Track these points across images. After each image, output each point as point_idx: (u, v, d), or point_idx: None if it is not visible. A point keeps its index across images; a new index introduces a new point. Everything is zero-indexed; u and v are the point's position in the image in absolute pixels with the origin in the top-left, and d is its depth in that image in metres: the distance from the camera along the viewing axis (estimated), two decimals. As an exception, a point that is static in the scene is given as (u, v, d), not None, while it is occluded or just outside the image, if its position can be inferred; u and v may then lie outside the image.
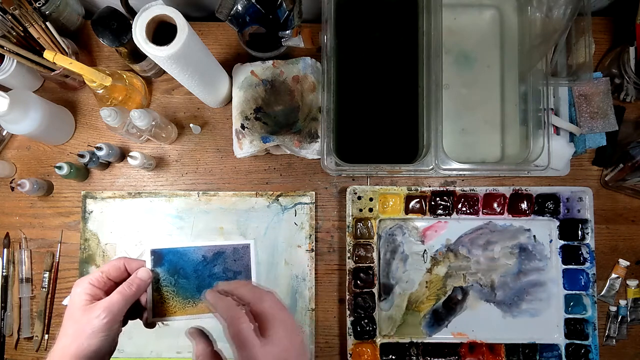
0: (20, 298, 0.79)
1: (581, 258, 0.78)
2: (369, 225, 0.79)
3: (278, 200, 0.80)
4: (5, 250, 0.80)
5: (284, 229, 0.80)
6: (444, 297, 0.79)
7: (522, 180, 0.81)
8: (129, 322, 0.52)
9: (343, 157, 0.74)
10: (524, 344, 0.77)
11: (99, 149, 0.75)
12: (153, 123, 0.72)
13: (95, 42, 0.84)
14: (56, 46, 0.73)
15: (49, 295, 0.79)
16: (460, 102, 0.81)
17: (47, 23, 0.71)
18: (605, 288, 0.80)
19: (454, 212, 0.79)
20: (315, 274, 0.79)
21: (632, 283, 0.79)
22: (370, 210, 0.79)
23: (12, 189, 0.81)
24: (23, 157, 0.83)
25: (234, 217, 0.80)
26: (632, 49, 0.75)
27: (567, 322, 0.78)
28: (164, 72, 0.83)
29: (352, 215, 0.78)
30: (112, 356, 0.48)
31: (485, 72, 0.82)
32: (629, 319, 0.79)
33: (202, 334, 0.48)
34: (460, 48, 0.82)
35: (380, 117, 0.83)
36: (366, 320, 0.77)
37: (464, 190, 0.79)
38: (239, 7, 0.69)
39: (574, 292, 0.78)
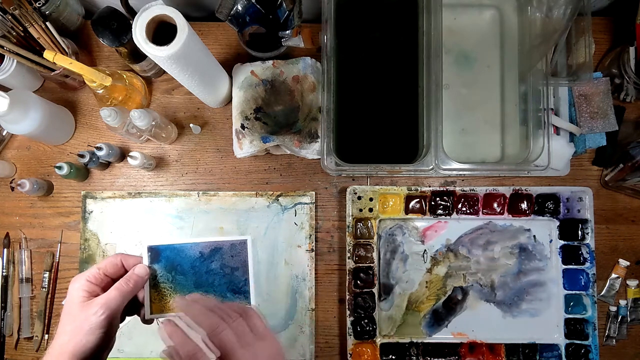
0: (20, 298, 0.79)
1: (581, 258, 0.78)
2: (369, 225, 0.79)
3: (278, 200, 0.80)
4: (5, 250, 0.80)
5: (284, 229, 0.80)
6: (444, 297, 0.79)
7: (522, 180, 0.81)
8: (128, 320, 0.52)
9: (343, 157, 0.74)
10: (524, 344, 0.77)
11: (99, 149, 0.75)
12: (153, 123, 0.72)
13: (95, 42, 0.84)
14: (56, 46, 0.73)
15: (49, 295, 0.79)
16: (460, 102, 0.81)
17: (47, 23, 0.71)
18: (605, 288, 0.80)
19: (454, 212, 0.79)
20: (315, 274, 0.79)
21: (632, 283, 0.79)
22: (370, 210, 0.79)
23: (12, 189, 0.81)
24: (23, 157, 0.83)
25: (234, 217, 0.80)
26: (632, 49, 0.75)
27: (567, 322, 0.78)
28: (164, 72, 0.83)
29: (352, 215, 0.78)
30: (112, 356, 0.48)
31: (485, 72, 0.82)
32: (629, 319, 0.79)
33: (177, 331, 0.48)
34: (460, 48, 0.82)
35: (380, 117, 0.83)
36: (366, 320, 0.77)
37: (464, 190, 0.79)
38: (239, 7, 0.69)
39: (574, 292, 0.78)
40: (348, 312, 0.77)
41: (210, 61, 0.70)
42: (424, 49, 0.77)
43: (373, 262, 0.78)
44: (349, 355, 0.76)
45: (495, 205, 0.79)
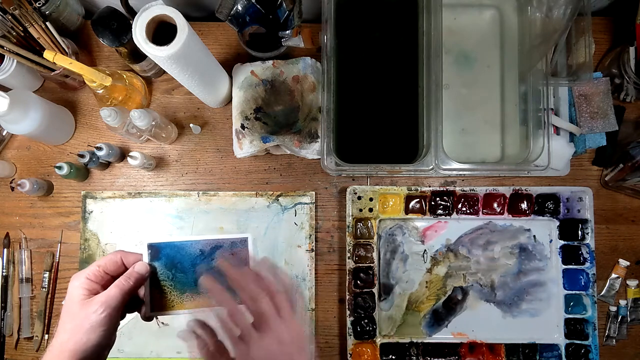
0: (20, 298, 0.79)
1: (581, 258, 0.78)
2: (369, 225, 0.79)
3: (278, 200, 0.80)
4: (5, 250, 0.80)
5: (284, 229, 0.80)
6: (444, 297, 0.79)
7: (522, 180, 0.81)
8: (129, 318, 0.51)
9: (343, 157, 0.74)
10: (524, 344, 0.77)
11: (99, 149, 0.75)
12: (153, 123, 0.72)
13: (95, 42, 0.84)
14: (56, 46, 0.73)
15: (49, 295, 0.79)
16: (460, 102, 0.81)
17: (47, 23, 0.71)
18: (605, 288, 0.80)
19: (454, 212, 0.79)
20: (315, 274, 0.79)
21: (632, 283, 0.79)
22: (370, 210, 0.79)
23: (12, 189, 0.81)
24: (23, 157, 0.83)
25: (234, 217, 0.80)
26: (632, 49, 0.75)
27: (567, 322, 0.78)
28: (164, 72, 0.83)
29: (352, 215, 0.78)
30: (113, 356, 0.48)
31: (485, 72, 0.82)
32: (629, 319, 0.79)
33: (205, 326, 0.49)
34: (460, 48, 0.82)
35: (380, 117, 0.83)
36: (366, 320, 0.77)
37: (464, 190, 0.79)
38: (239, 7, 0.69)
39: (574, 292, 0.78)
40: (348, 312, 0.77)
41: (210, 61, 0.70)
42: (424, 49, 0.77)
43: (373, 262, 0.78)
44: (349, 355, 0.76)
45: (495, 205, 0.79)
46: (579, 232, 0.78)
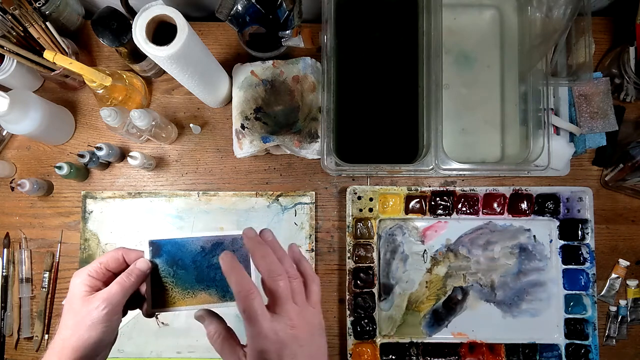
0: (20, 298, 0.79)
1: (581, 258, 0.78)
2: (369, 225, 0.79)
3: (278, 200, 0.80)
4: (5, 250, 0.80)
5: (284, 229, 0.80)
6: (444, 297, 0.79)
7: (522, 180, 0.82)
8: (128, 320, 0.52)
9: (343, 157, 0.74)
10: (524, 344, 0.77)
11: (99, 149, 0.75)
12: (153, 123, 0.72)
13: (95, 42, 0.84)
14: (56, 46, 0.73)
15: (49, 295, 0.79)
16: (460, 102, 0.81)
17: (47, 23, 0.71)
18: (605, 288, 0.80)
19: (454, 212, 0.79)
20: (316, 274, 0.79)
21: (632, 283, 0.79)
22: (370, 210, 0.79)
23: (12, 189, 0.81)
24: (23, 157, 0.83)
25: (234, 217, 0.80)
26: (632, 49, 0.75)
27: (567, 322, 0.78)
28: (164, 72, 0.83)
29: (352, 215, 0.78)
30: (113, 356, 0.48)
31: (485, 72, 0.82)
32: (629, 319, 0.79)
33: (213, 314, 0.48)
34: (460, 48, 0.82)
35: (380, 117, 0.83)
36: (366, 320, 0.77)
37: (464, 190, 0.79)
38: (239, 7, 0.69)
39: (574, 292, 0.78)
40: (348, 312, 0.77)
41: (210, 61, 0.70)
42: (424, 49, 0.77)
43: (373, 262, 0.78)
44: (349, 355, 0.76)
45: (495, 205, 0.79)
46: (579, 232, 0.78)
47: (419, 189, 0.79)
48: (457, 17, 0.83)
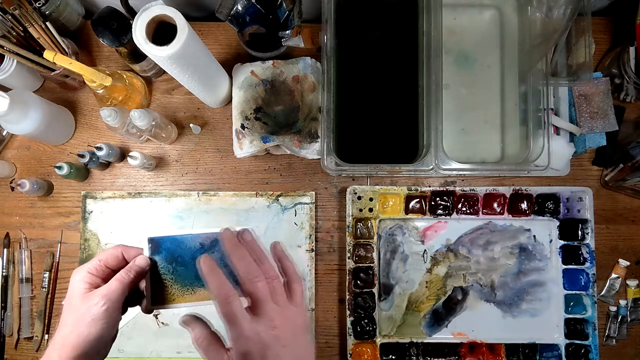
0: (20, 298, 0.79)
1: (581, 258, 0.78)
2: (369, 225, 0.79)
3: (278, 200, 0.80)
4: (5, 250, 0.80)
5: (284, 229, 0.80)
6: (444, 297, 0.79)
7: (522, 180, 0.82)
8: (128, 319, 0.52)
9: (343, 157, 0.74)
10: (524, 344, 0.77)
11: (99, 149, 0.75)
12: (153, 123, 0.72)
13: (95, 42, 0.84)
14: (56, 46, 0.73)
15: (49, 295, 0.79)
16: (460, 102, 0.81)
17: (47, 23, 0.71)
18: (605, 288, 0.80)
19: (454, 212, 0.79)
20: (315, 274, 0.79)
21: (632, 283, 0.79)
22: (370, 210, 0.79)
23: (12, 189, 0.81)
24: (23, 157, 0.83)
25: (234, 217, 0.80)
26: (632, 49, 0.75)
27: (567, 322, 0.78)
28: (164, 72, 0.83)
29: (352, 215, 0.78)
30: (112, 356, 0.48)
31: (485, 72, 0.82)
32: (629, 319, 0.79)
33: (198, 319, 0.48)
34: (460, 48, 0.82)
35: (380, 117, 0.83)
36: (366, 320, 0.77)
37: (464, 190, 0.79)
38: (239, 7, 0.69)
39: (574, 292, 0.78)
40: (348, 312, 0.77)
41: (210, 61, 0.70)
42: (424, 49, 0.77)
43: (373, 262, 0.78)
44: (349, 355, 0.76)
45: (495, 205, 0.79)
46: (579, 232, 0.78)
47: (419, 189, 0.79)
48: (457, 17, 0.83)
